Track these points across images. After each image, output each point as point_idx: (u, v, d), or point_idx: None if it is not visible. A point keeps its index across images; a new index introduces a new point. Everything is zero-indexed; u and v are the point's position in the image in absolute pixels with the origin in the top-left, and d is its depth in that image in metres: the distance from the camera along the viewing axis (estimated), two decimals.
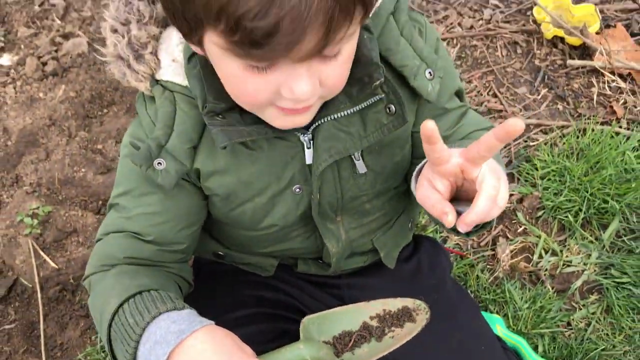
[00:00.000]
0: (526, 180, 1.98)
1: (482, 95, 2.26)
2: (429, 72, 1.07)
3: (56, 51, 2.59)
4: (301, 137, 1.06)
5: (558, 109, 2.19)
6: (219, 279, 1.38)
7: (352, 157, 1.12)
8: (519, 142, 2.10)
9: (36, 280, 1.97)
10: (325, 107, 1.03)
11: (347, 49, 0.87)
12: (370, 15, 1.01)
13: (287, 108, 0.91)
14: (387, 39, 1.04)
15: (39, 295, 1.94)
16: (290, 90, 0.86)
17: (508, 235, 1.90)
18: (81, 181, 2.21)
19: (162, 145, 1.02)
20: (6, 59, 2.58)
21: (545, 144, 2.05)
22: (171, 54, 1.02)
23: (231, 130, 0.97)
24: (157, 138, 1.02)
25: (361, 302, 1.12)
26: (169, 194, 1.10)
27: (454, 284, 1.52)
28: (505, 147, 2.10)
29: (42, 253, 2.03)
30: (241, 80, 0.87)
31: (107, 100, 2.44)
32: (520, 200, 1.95)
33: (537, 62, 2.34)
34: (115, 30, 0.99)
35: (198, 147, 1.05)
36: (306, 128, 1.06)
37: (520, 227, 1.90)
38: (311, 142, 1.07)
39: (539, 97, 2.23)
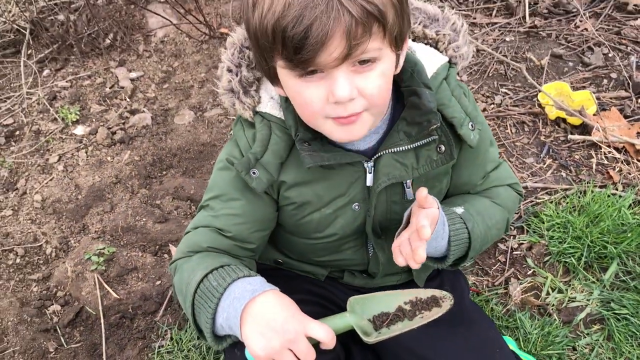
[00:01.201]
0: (534, 232, 2.25)
1: None
2: (471, 124, 1.40)
3: (124, 123, 3.00)
4: (365, 164, 1.38)
5: (562, 175, 2.49)
6: (276, 279, 1.66)
7: (404, 185, 1.43)
8: (527, 201, 2.39)
9: (100, 308, 2.24)
10: (386, 142, 1.36)
11: (380, 66, 1.17)
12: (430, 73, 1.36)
13: (338, 117, 1.22)
14: (442, 97, 1.37)
15: (102, 320, 2.20)
16: (332, 93, 1.15)
17: (519, 277, 2.14)
18: (141, 229, 2.52)
19: (257, 159, 1.35)
20: (80, 130, 3.00)
21: (551, 202, 2.33)
22: (270, 93, 1.37)
23: (315, 155, 1.30)
24: (255, 153, 1.34)
25: (398, 290, 1.37)
26: (250, 201, 1.41)
27: (472, 302, 1.77)
28: None
29: (105, 285, 2.30)
30: (300, 91, 1.19)
31: (166, 164, 2.80)
32: (529, 248, 2.21)
33: (542, 138, 2.68)
34: (230, 70, 1.36)
35: (285, 164, 1.38)
36: (370, 157, 1.38)
37: (530, 270, 2.15)
38: (372, 168, 1.39)
39: (545, 165, 2.54)
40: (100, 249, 2.41)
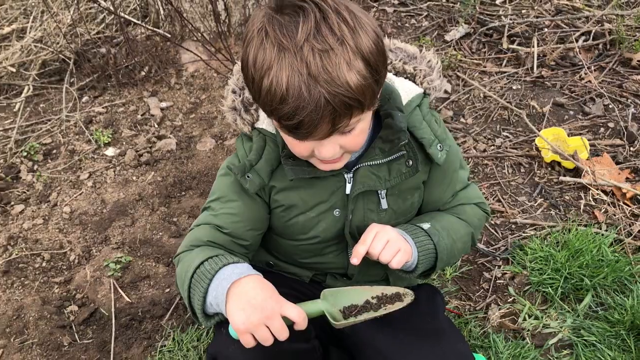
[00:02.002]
0: (518, 263, 2.40)
1: (488, 200, 2.74)
2: (439, 146, 1.61)
3: (151, 147, 3.26)
4: (345, 175, 1.60)
5: (551, 214, 2.64)
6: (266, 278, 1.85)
7: (379, 195, 1.63)
8: (515, 235, 2.54)
9: (112, 310, 2.44)
10: (364, 156, 1.58)
11: (359, 126, 1.41)
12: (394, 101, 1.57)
13: (322, 160, 1.45)
14: (414, 120, 1.60)
15: (113, 321, 2.40)
16: (319, 153, 1.42)
17: (499, 303, 2.28)
18: (157, 242, 2.75)
19: (252, 165, 1.57)
20: (111, 151, 3.27)
21: (537, 237, 2.48)
22: None
23: (297, 169, 1.54)
24: (250, 160, 1.57)
25: (367, 286, 1.55)
26: (246, 203, 1.63)
27: (446, 318, 1.92)
28: (502, 238, 2.54)
29: (120, 290, 2.52)
30: (291, 143, 1.46)
31: (185, 186, 3.04)
32: (512, 278, 2.36)
33: (536, 179, 2.84)
34: (234, 92, 1.60)
35: (275, 171, 1.60)
36: (349, 169, 1.58)
37: (510, 298, 2.29)
38: (351, 179, 1.60)
39: (536, 204, 2.70)
40: (118, 257, 2.64)
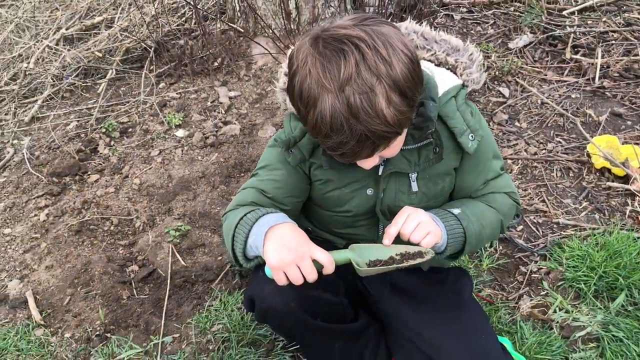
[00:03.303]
0: (555, 260, 2.45)
1: (533, 199, 2.80)
2: (471, 135, 1.72)
3: (217, 131, 3.49)
4: None
5: (595, 217, 2.67)
6: None
7: (410, 178, 1.75)
8: (555, 235, 2.59)
9: (169, 271, 2.66)
10: None
11: (398, 140, 1.52)
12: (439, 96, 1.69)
13: None
14: (448, 110, 1.71)
15: (168, 281, 2.62)
16: (360, 164, 1.58)
17: (532, 295, 2.34)
18: (215, 215, 2.96)
19: (296, 141, 1.74)
20: (181, 133, 3.52)
21: (577, 237, 2.52)
22: None
23: (332, 161, 1.68)
24: (295, 137, 1.73)
25: (392, 244, 1.66)
26: (289, 172, 1.79)
27: (471, 297, 2.01)
28: (542, 236, 2.60)
29: (177, 255, 2.74)
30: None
31: (245, 168, 3.25)
32: (548, 273, 2.41)
33: (584, 183, 2.87)
34: (286, 74, 1.75)
35: (316, 150, 1.75)
36: None
37: (543, 291, 2.35)
38: (384, 161, 1.73)
39: (581, 207, 2.73)
40: (179, 226, 2.86)
